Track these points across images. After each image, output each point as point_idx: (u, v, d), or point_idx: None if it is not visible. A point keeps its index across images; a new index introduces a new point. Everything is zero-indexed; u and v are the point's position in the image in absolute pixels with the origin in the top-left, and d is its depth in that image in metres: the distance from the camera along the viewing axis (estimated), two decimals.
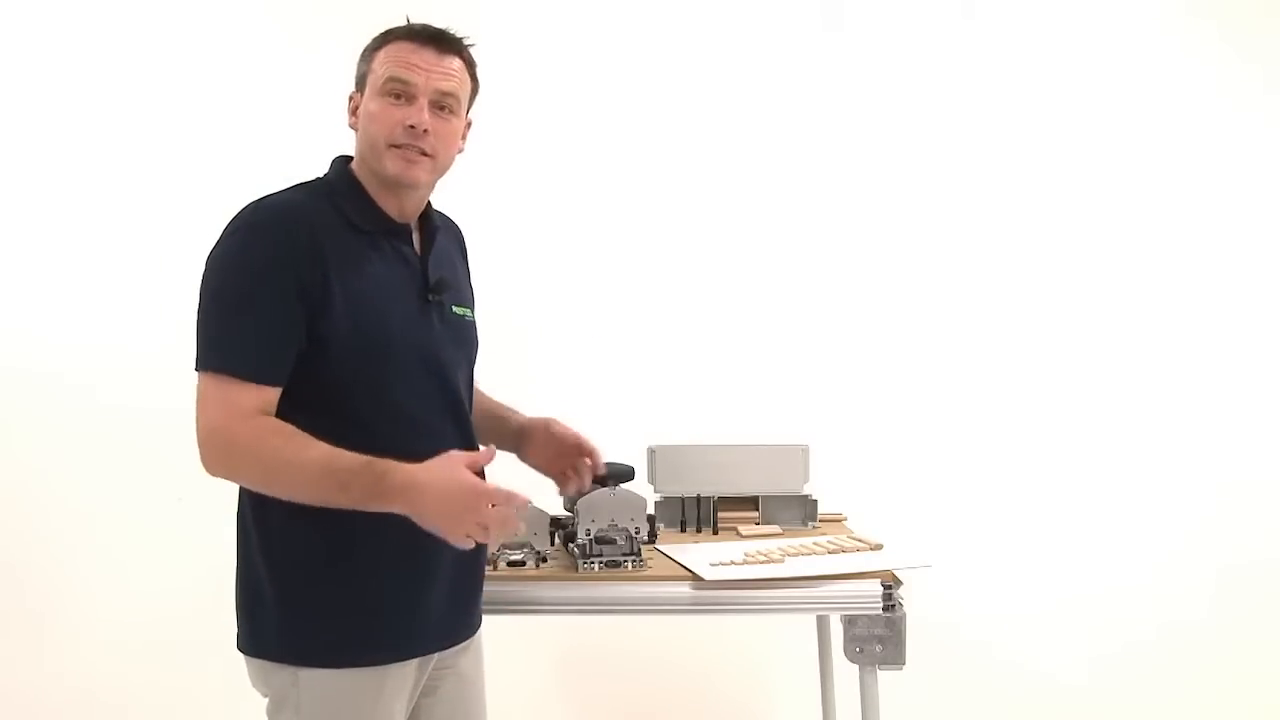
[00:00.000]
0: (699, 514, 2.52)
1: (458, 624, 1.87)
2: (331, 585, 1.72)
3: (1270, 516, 3.36)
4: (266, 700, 1.79)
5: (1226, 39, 3.40)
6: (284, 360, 1.66)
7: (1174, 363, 3.38)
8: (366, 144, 1.79)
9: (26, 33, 3.28)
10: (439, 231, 1.90)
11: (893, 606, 2.02)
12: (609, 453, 2.27)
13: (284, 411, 1.67)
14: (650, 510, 2.22)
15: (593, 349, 3.34)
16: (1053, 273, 3.39)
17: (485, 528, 1.58)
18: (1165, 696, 3.31)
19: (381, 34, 1.81)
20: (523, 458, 2.07)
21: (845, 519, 2.63)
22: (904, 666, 2.03)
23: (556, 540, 2.22)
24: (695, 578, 2.05)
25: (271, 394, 1.66)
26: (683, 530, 2.51)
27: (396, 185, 1.78)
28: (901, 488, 3.27)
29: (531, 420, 2.08)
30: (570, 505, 2.22)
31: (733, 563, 2.11)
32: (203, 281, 1.70)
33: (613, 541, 2.10)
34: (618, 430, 2.90)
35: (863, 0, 3.40)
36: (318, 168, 1.86)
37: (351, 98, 1.82)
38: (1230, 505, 3.36)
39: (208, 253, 1.71)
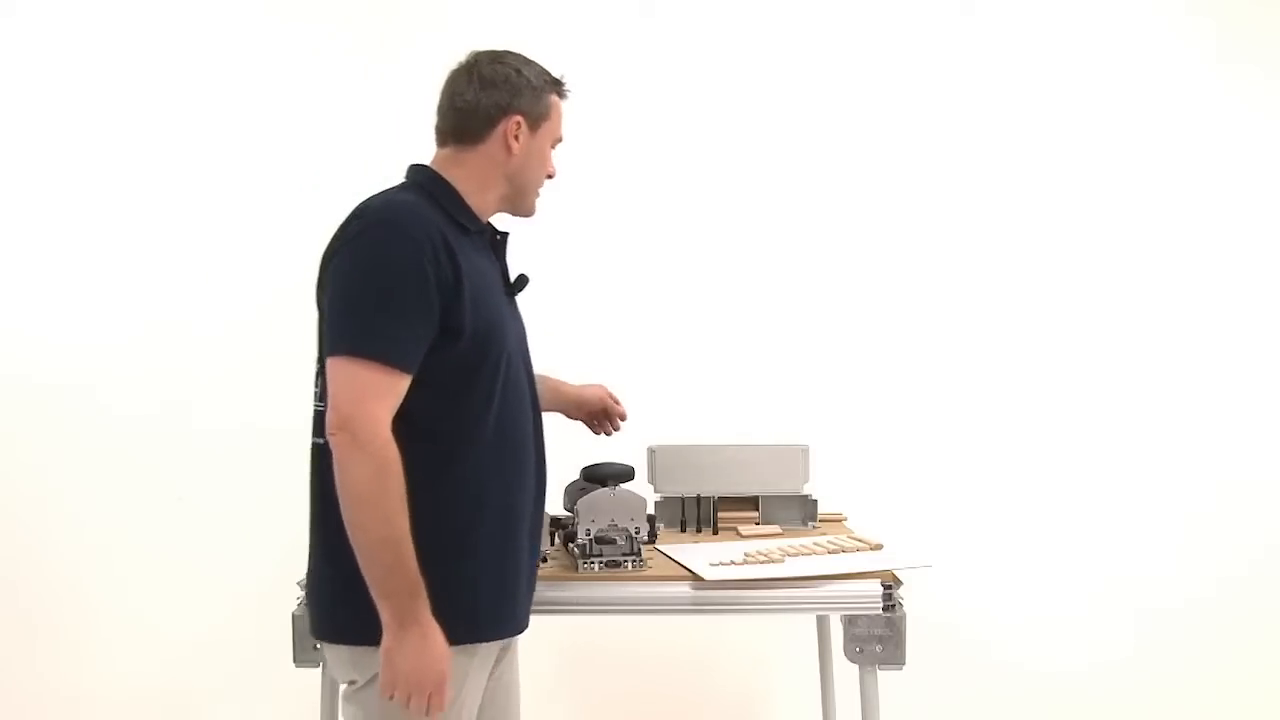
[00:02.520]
0: (699, 514, 2.52)
1: (528, 610, 1.94)
2: (448, 568, 1.77)
3: (1271, 517, 3.37)
4: (349, 685, 1.82)
5: (1226, 38, 3.40)
6: (422, 351, 1.75)
7: (1173, 362, 3.38)
8: (523, 178, 1.94)
9: (25, 35, 3.29)
10: (502, 233, 2.00)
11: (893, 606, 2.03)
12: (609, 453, 2.28)
13: (415, 388, 1.74)
14: (650, 510, 2.22)
15: (593, 349, 3.33)
16: (1053, 273, 3.39)
17: (414, 698, 1.71)
18: (1165, 696, 3.31)
19: (554, 80, 1.95)
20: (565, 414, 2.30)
21: (845, 519, 2.63)
22: (904, 666, 2.03)
23: (556, 540, 2.22)
24: (695, 578, 2.05)
25: (407, 382, 1.74)
26: (683, 530, 2.51)
27: (525, 216, 2.01)
28: (901, 488, 3.27)
29: (576, 390, 2.33)
30: (570, 505, 2.22)
31: (733, 563, 2.11)
32: (345, 273, 1.76)
33: (613, 541, 2.10)
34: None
35: (858, 1, 3.41)
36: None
37: (518, 122, 1.90)
38: (1231, 505, 3.36)
39: (341, 246, 1.78)
